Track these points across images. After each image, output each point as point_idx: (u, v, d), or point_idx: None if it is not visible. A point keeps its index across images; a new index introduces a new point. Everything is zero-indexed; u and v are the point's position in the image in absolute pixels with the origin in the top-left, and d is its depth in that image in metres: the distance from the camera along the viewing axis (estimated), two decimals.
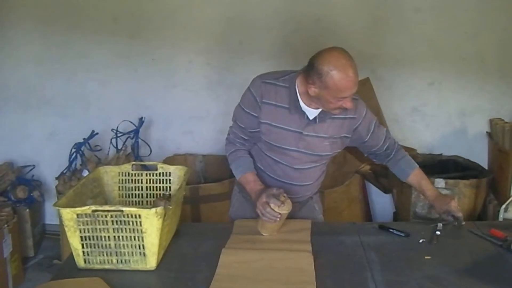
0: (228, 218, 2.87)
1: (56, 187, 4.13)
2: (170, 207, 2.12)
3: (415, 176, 2.67)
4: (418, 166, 2.69)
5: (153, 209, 1.99)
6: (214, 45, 4.47)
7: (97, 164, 4.06)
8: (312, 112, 2.47)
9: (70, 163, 4.13)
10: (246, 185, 2.56)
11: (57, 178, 4.13)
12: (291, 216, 2.50)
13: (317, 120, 2.47)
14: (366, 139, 2.60)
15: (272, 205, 2.31)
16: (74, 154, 4.13)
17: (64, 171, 4.14)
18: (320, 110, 2.46)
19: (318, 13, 4.32)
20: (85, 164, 4.05)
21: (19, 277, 4.00)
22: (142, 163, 2.92)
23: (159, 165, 2.60)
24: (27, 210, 4.37)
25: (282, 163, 2.59)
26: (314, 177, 2.68)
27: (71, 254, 2.14)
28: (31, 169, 4.65)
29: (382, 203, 4.54)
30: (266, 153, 2.61)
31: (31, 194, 4.42)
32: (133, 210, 2.01)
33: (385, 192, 4.37)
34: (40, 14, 4.51)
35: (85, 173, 3.98)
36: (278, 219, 2.33)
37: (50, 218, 4.77)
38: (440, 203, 2.56)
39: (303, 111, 2.46)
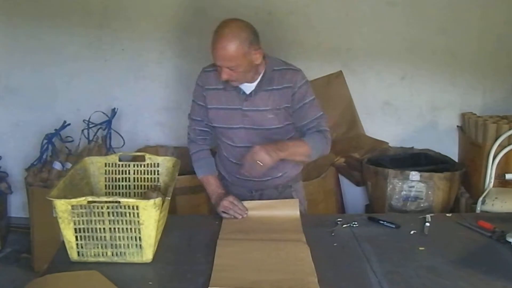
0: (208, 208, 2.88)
1: (25, 178, 4.00)
2: (168, 198, 2.08)
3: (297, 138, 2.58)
4: (310, 145, 2.46)
5: (152, 200, 1.94)
6: (185, 35, 4.41)
7: (67, 156, 3.98)
8: (247, 87, 2.50)
9: (41, 154, 4.01)
10: (208, 186, 2.66)
11: (27, 170, 4.01)
12: None
13: (253, 94, 2.50)
14: (296, 109, 2.52)
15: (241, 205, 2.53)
16: (46, 145, 4.01)
17: (35, 163, 4.02)
18: (256, 83, 2.49)
19: (290, 5, 4.32)
20: (56, 156, 3.95)
21: None
22: (130, 153, 2.87)
23: (147, 156, 2.55)
24: None
25: (238, 146, 2.60)
26: None
27: (62, 246, 2.07)
28: None
29: (354, 196, 4.56)
30: (224, 140, 2.66)
31: None
32: (130, 201, 1.96)
33: (357, 184, 4.41)
34: (6, 3, 4.36)
35: (56, 164, 3.89)
36: (245, 214, 2.50)
37: (15, 211, 4.65)
38: None
39: (240, 87, 2.50)
